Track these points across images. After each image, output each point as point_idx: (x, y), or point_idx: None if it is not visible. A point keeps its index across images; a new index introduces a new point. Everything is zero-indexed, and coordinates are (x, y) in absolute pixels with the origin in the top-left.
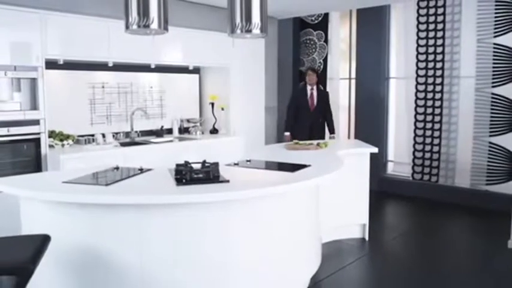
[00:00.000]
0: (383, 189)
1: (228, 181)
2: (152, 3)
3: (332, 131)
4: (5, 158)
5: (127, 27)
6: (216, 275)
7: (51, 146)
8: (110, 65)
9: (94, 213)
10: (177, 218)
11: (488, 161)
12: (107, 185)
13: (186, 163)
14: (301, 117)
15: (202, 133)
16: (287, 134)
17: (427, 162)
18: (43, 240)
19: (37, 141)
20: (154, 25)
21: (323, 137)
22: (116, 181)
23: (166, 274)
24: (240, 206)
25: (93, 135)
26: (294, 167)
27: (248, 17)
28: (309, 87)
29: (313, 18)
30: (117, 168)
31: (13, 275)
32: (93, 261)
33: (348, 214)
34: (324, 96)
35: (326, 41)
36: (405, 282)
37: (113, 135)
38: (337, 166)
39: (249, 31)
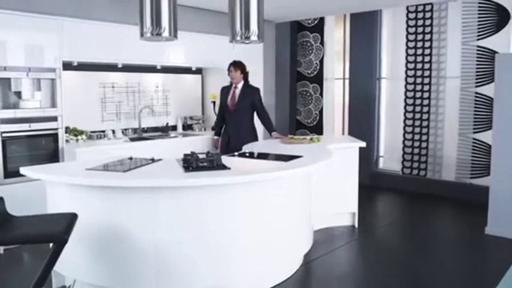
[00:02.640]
0: (374, 183)
1: (229, 168)
2: (164, 14)
3: (271, 129)
4: (26, 151)
5: (141, 34)
6: (219, 251)
7: (66, 141)
8: (120, 66)
9: (114, 195)
10: (185, 200)
11: (472, 156)
12: (124, 171)
13: (193, 153)
14: (226, 118)
15: (205, 129)
16: (215, 137)
17: (415, 158)
18: (72, 217)
19: (55, 136)
20: (165, 33)
21: (254, 139)
22: (131, 168)
23: (177, 249)
24: (240, 189)
25: (104, 131)
26: (287, 158)
27: (247, 26)
28: (232, 87)
29: (309, 22)
30: (130, 158)
31: (51, 242)
32: (112, 238)
33: (339, 203)
34: (250, 94)
35: (322, 43)
36: (391, 263)
37: (122, 132)
38: (325, 157)
39: (247, 38)
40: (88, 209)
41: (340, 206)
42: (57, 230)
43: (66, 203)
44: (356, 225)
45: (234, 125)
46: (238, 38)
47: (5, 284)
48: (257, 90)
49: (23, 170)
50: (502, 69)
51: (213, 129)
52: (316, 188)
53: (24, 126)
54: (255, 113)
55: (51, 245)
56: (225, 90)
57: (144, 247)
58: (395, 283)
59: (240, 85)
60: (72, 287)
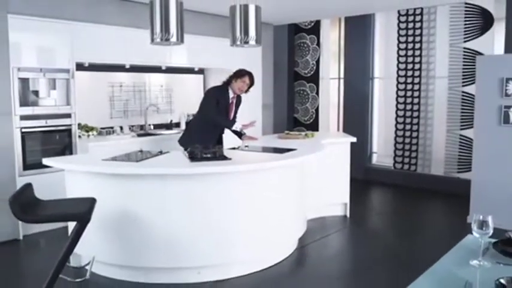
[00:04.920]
0: (368, 178)
1: (230, 159)
2: (172, 21)
3: (240, 133)
4: (43, 145)
5: (152, 40)
6: (222, 232)
7: (79, 136)
8: (127, 67)
9: (127, 182)
10: (191, 186)
11: (459, 152)
12: (137, 161)
13: (197, 146)
14: (212, 127)
15: None
16: (242, 125)
17: (406, 153)
18: (92, 201)
19: (68, 132)
20: (173, 39)
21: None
22: (143, 159)
23: (183, 231)
24: (240, 177)
25: (112, 128)
26: (282, 150)
27: (246, 32)
28: (231, 94)
29: (306, 24)
30: (141, 151)
31: (76, 221)
32: (125, 221)
33: (332, 194)
34: (238, 104)
35: (318, 44)
36: (378, 247)
37: (129, 128)
38: (317, 150)
39: (246, 42)
40: (104, 195)
41: (333, 197)
42: (81, 210)
43: (84, 189)
44: (348, 215)
45: (219, 138)
46: (238, 42)
47: (25, 265)
48: (241, 99)
49: (45, 161)
50: (482, 70)
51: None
52: (310, 180)
53: (41, 122)
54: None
55: (70, 229)
56: (220, 93)
57: (154, 229)
58: (382, 264)
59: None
60: (91, 264)
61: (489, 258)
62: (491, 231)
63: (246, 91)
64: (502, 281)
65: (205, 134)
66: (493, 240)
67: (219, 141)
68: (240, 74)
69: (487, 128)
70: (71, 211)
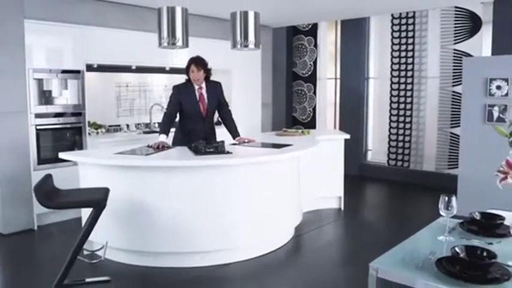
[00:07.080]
0: (363, 174)
1: (231, 153)
2: (178, 27)
3: (236, 133)
4: (55, 142)
5: (160, 44)
6: (224, 220)
7: (88, 134)
8: (133, 68)
9: (137, 174)
10: (196, 178)
11: (450, 149)
12: (146, 155)
13: (201, 141)
14: (190, 126)
15: None
16: (163, 136)
17: (400, 150)
18: (106, 190)
19: (79, 129)
20: (179, 43)
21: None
22: (151, 153)
23: (189, 219)
24: (240, 170)
25: (119, 126)
26: (279, 146)
27: (245, 36)
28: (196, 87)
29: (304, 26)
30: (149, 146)
31: (92, 207)
32: (135, 209)
33: (327, 188)
34: (215, 90)
35: (315, 45)
36: (370, 237)
37: (135, 126)
38: (311, 145)
39: (246, 46)
40: (115, 185)
41: (328, 190)
42: (97, 198)
43: (96, 181)
44: (342, 208)
45: (208, 131)
46: (239, 46)
47: (42, 253)
48: (220, 84)
49: (61, 155)
50: (468, 71)
51: (215, 124)
52: (306, 174)
53: (54, 120)
54: None
55: (83, 220)
56: (183, 90)
57: (162, 217)
58: (374, 252)
59: (203, 84)
60: (105, 248)
61: (456, 235)
62: (455, 211)
63: (207, 76)
64: (457, 249)
65: (190, 131)
66: (460, 221)
67: (211, 135)
68: (187, 66)
69: (472, 126)
70: (89, 198)
